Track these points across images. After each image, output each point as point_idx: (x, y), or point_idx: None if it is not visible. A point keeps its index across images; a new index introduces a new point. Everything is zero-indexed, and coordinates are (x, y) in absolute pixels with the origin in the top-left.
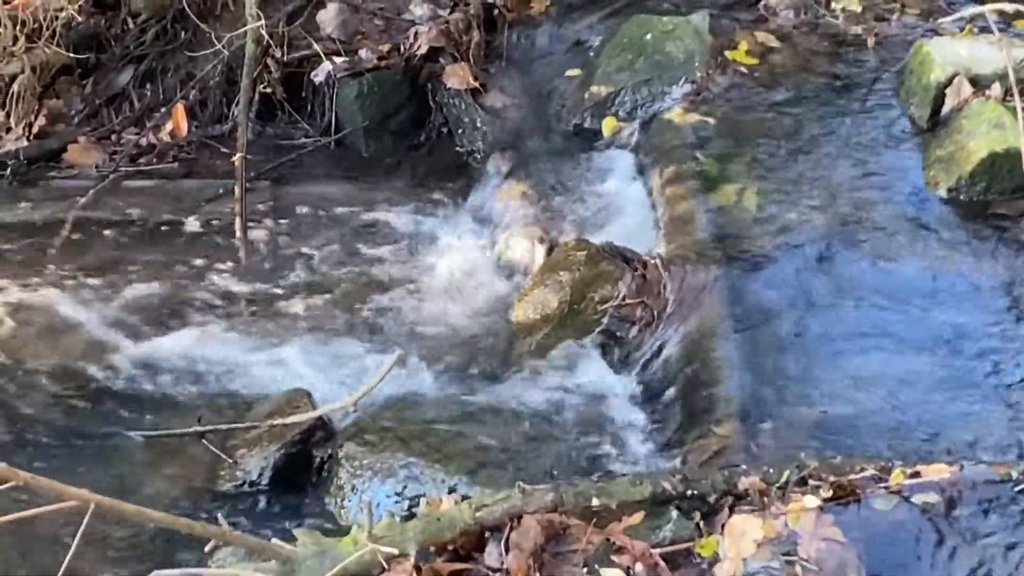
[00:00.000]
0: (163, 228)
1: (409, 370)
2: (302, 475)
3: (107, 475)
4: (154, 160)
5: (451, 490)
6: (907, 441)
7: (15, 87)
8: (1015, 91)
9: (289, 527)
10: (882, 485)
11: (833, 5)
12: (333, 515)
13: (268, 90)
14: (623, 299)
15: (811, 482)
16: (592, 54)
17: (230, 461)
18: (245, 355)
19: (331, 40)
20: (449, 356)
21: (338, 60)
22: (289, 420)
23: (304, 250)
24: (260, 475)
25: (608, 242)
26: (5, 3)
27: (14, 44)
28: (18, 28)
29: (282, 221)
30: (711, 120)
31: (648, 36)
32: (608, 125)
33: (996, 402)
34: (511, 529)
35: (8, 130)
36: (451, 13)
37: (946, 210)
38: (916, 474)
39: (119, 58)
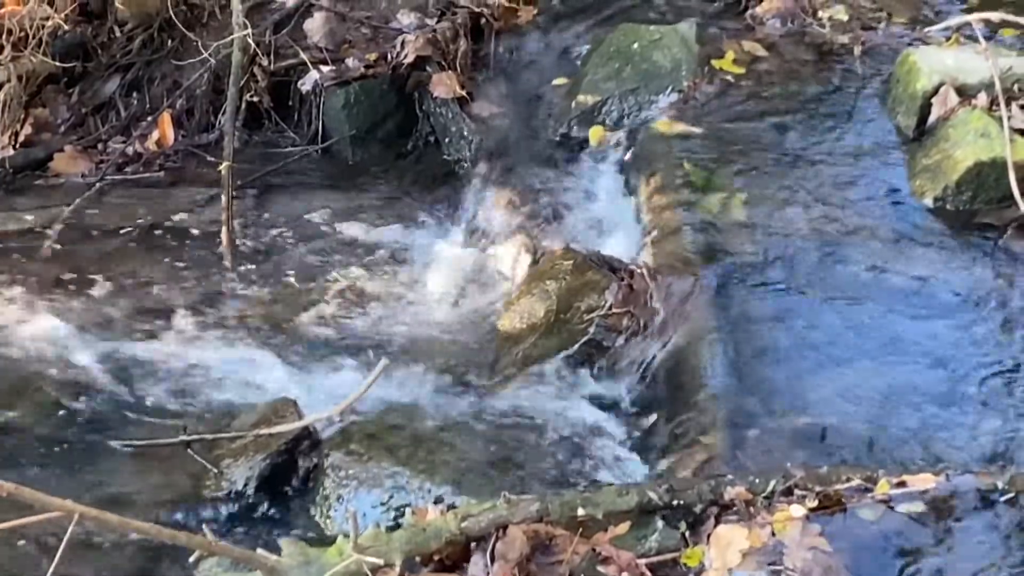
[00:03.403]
0: (149, 237)
1: (395, 379)
2: (288, 485)
3: (91, 485)
4: (140, 169)
5: (437, 500)
6: (893, 450)
7: (1, 96)
8: (1001, 100)
9: (274, 537)
10: (868, 495)
11: (820, 14)
12: (318, 525)
13: (255, 99)
14: (609, 308)
15: (797, 492)
16: (579, 63)
17: (215, 471)
18: (231, 364)
19: (318, 49)
20: (435, 365)
21: (325, 69)
22: (275, 430)
23: (290, 259)
24: (245, 485)
25: (595, 251)
26: None
27: (0, 53)
28: (4, 37)
29: (268, 230)
30: (698, 129)
31: (635, 45)
32: (595, 134)
33: (982, 411)
34: (497, 539)
35: None
36: (438, 22)
37: (932, 219)
38: (902, 483)
39: (105, 67)
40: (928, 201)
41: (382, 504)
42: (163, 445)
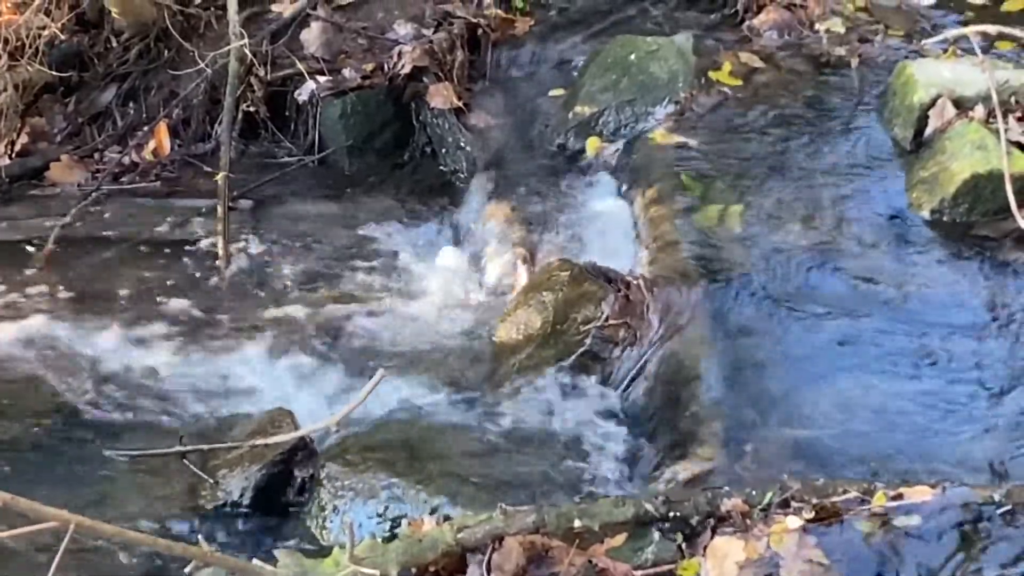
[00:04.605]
0: (145, 246)
1: (391, 390)
2: (284, 495)
3: (88, 495)
4: (137, 178)
5: (433, 511)
6: (890, 463)
7: None
8: (998, 113)
9: (270, 548)
10: (865, 507)
11: (817, 26)
12: (314, 536)
13: (251, 109)
14: (606, 319)
15: (794, 504)
16: (576, 74)
17: (211, 481)
18: (227, 374)
19: (315, 59)
20: (432, 376)
21: (322, 79)
22: (271, 440)
23: (286, 269)
24: (241, 495)
25: (591, 262)
26: None
27: None
28: (1, 46)
29: (265, 240)
30: (694, 141)
31: (632, 56)
32: (592, 145)
33: (979, 424)
34: (493, 551)
35: None
36: (435, 33)
37: (929, 231)
38: (899, 496)
39: (102, 76)
40: (925, 213)
41: (378, 515)
42: (159, 455)
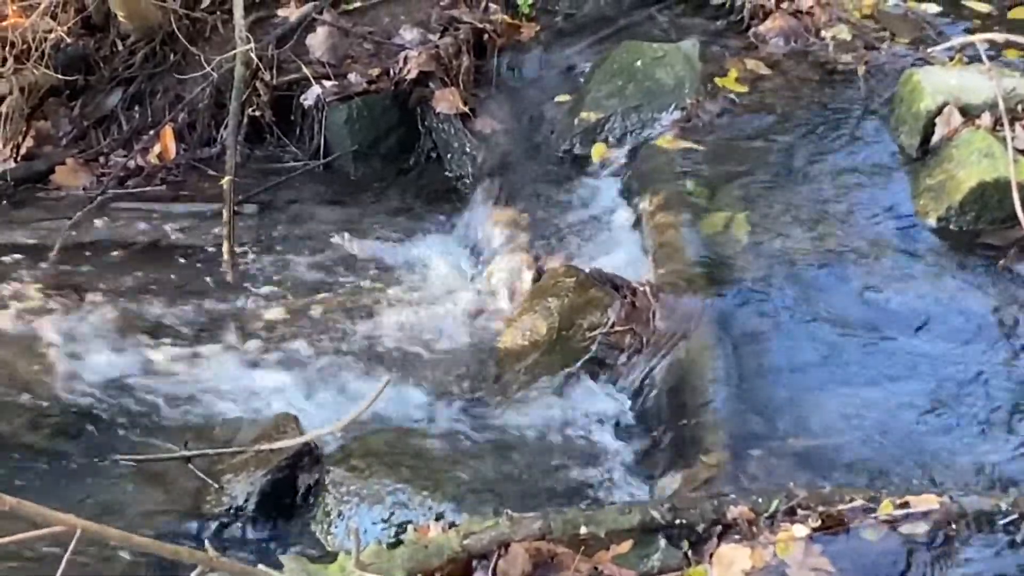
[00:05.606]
0: (151, 251)
1: (397, 396)
2: (289, 501)
3: (92, 500)
4: (142, 182)
5: (438, 517)
6: (896, 471)
7: (3, 108)
8: (1005, 120)
9: (276, 553)
10: (871, 515)
11: (823, 33)
12: (320, 541)
13: (257, 113)
14: (612, 326)
15: (800, 512)
16: (582, 80)
17: (216, 486)
18: (232, 379)
19: (320, 64)
20: (437, 382)
21: (327, 84)
22: (276, 445)
23: (292, 274)
24: (246, 500)
25: (597, 269)
26: None
27: (3, 65)
28: (7, 49)
29: (270, 244)
30: (701, 147)
31: (638, 62)
32: (598, 151)
33: (985, 433)
34: (499, 557)
35: None
36: (441, 38)
37: (936, 239)
38: (905, 504)
39: (108, 80)
40: (932, 221)
41: (384, 521)
42: (164, 460)
